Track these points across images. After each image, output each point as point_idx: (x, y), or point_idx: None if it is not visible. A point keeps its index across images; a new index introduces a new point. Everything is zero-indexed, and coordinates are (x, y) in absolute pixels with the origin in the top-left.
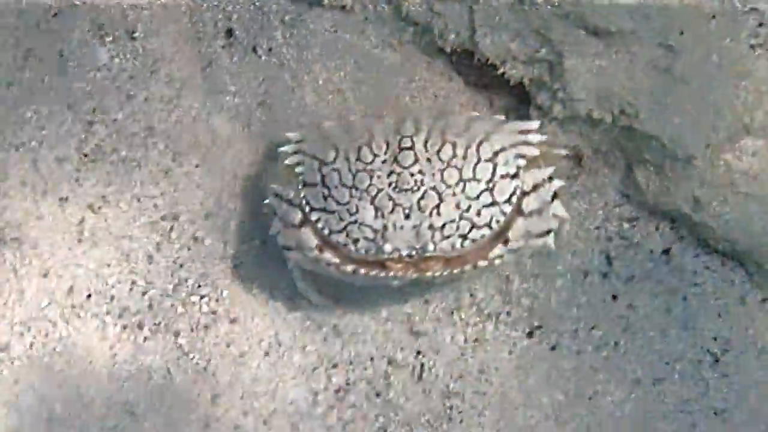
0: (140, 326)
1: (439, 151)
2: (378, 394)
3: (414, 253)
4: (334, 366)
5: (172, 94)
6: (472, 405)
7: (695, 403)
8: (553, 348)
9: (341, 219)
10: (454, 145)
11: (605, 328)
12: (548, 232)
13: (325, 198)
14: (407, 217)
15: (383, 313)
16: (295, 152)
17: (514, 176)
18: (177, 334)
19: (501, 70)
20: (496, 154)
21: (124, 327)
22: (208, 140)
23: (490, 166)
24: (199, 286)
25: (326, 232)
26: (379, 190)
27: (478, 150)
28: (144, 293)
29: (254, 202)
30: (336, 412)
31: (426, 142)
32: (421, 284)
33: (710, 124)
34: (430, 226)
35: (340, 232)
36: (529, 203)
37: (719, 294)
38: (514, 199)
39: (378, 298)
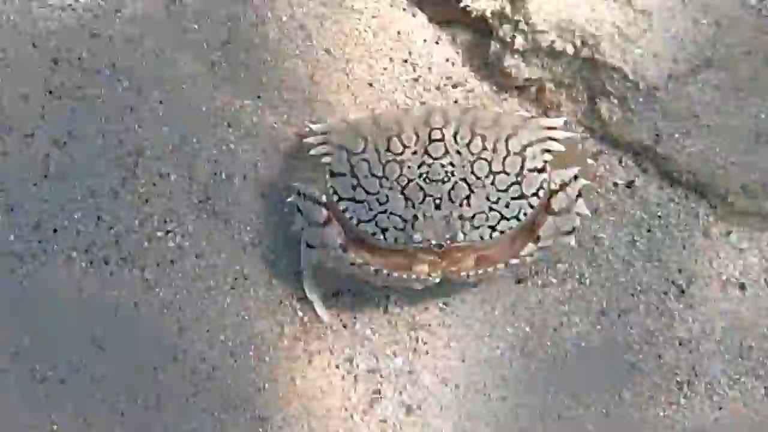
0: (106, 261)
1: (468, 144)
2: (345, 326)
3: (444, 243)
4: (300, 299)
5: (135, 33)
6: (438, 337)
7: (660, 334)
8: (518, 281)
9: (370, 208)
10: (483, 138)
11: (570, 261)
12: (573, 230)
13: (353, 188)
14: (437, 207)
15: None
16: (322, 144)
17: (541, 170)
18: (143, 269)
19: (463, 4)
20: (524, 148)
21: (91, 262)
22: (172, 77)
23: (519, 159)
24: (165, 221)
25: (354, 221)
26: (410, 180)
27: (506, 144)
28: (110, 228)
29: (219, 137)
30: (302, 344)
31: (455, 134)
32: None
33: (672, 55)
34: (461, 217)
35: (368, 221)
36: (559, 202)
37: (683, 226)
38: (541, 193)
39: None
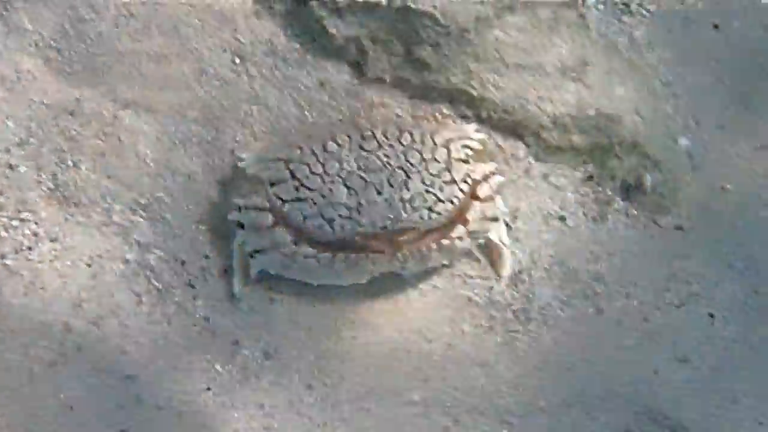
0: None
1: (398, 138)
2: (194, 286)
3: (388, 224)
4: (153, 271)
5: None
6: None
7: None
8: None
9: (315, 203)
10: (410, 134)
11: None
12: (496, 219)
13: (296, 189)
14: (379, 192)
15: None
16: (256, 162)
17: (466, 162)
18: (3, 257)
19: None
20: (447, 142)
21: None
22: (12, 74)
23: (445, 150)
24: (19, 210)
25: (300, 218)
26: (350, 173)
27: (432, 138)
28: None
29: (62, 127)
30: (160, 309)
31: (384, 132)
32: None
33: None
34: (401, 199)
35: (314, 216)
36: (483, 190)
37: (506, 169)
38: (468, 180)
39: None
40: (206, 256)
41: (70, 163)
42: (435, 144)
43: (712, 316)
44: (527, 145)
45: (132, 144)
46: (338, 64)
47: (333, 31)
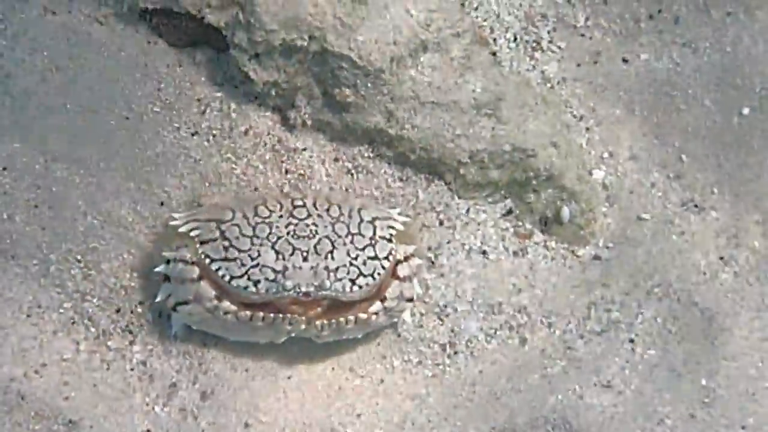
0: None
1: (327, 210)
2: (131, 332)
3: (312, 290)
4: (90, 319)
5: None
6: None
7: (421, 303)
8: None
9: (243, 264)
10: (339, 207)
11: None
12: (412, 298)
13: (225, 249)
14: (305, 259)
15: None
16: (187, 222)
17: (389, 240)
18: None
19: (200, 15)
20: (373, 219)
21: None
22: None
23: (371, 226)
24: None
25: (227, 278)
26: (279, 237)
27: (359, 213)
28: None
29: None
30: (99, 355)
31: (314, 203)
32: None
33: (392, 39)
34: (326, 268)
35: (241, 276)
36: (403, 270)
37: (426, 205)
38: (391, 258)
39: None
40: (141, 302)
41: (4, 216)
42: (362, 220)
43: (632, 341)
44: (446, 182)
45: (64, 196)
46: (261, 110)
47: (253, 76)
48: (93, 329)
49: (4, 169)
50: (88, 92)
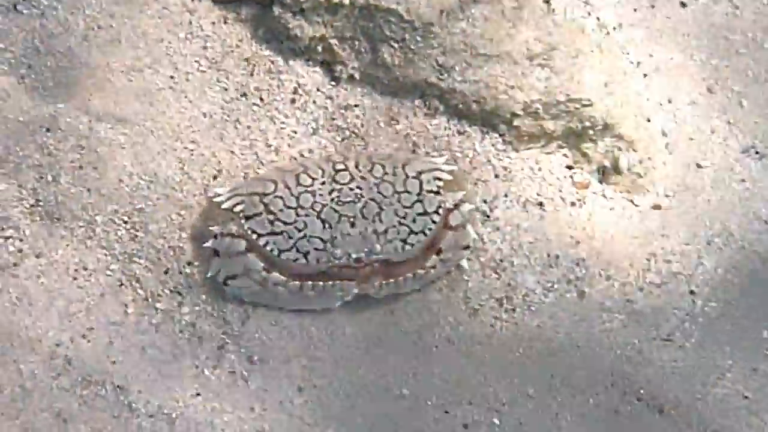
0: None
1: (371, 170)
2: (179, 293)
3: (362, 256)
4: (138, 281)
5: None
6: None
7: (475, 259)
8: None
9: (290, 237)
10: (382, 166)
11: None
12: (467, 247)
13: (271, 222)
14: (353, 225)
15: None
16: (231, 197)
17: (437, 193)
18: None
19: None
20: (418, 174)
21: None
22: None
23: (417, 182)
24: (2, 228)
25: (276, 252)
26: (324, 206)
27: (404, 169)
28: None
29: (39, 143)
30: (147, 318)
31: (357, 165)
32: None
33: None
34: (375, 231)
35: (290, 249)
36: (455, 218)
37: (480, 157)
38: (440, 212)
39: None
40: (189, 263)
41: (49, 178)
42: (407, 176)
43: (693, 293)
44: (501, 134)
45: (110, 156)
46: (308, 65)
47: (297, 32)
48: (141, 291)
49: (48, 130)
50: (132, 51)
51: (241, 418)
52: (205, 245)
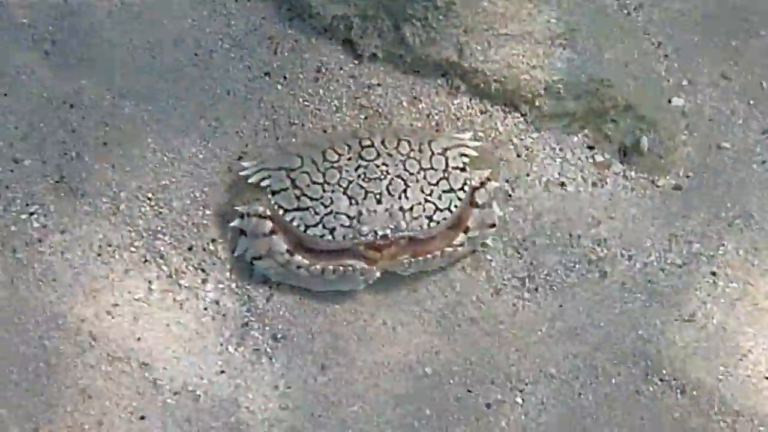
0: None
1: (396, 147)
2: (203, 270)
3: (389, 233)
4: (162, 257)
5: None
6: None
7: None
8: None
9: (316, 213)
10: (408, 143)
11: None
12: (493, 225)
13: (297, 198)
14: (379, 201)
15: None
16: (258, 171)
17: (463, 170)
18: (14, 250)
19: None
20: (444, 150)
21: None
22: (11, 69)
23: (443, 158)
24: (27, 204)
25: (302, 228)
26: (350, 182)
27: (429, 146)
28: None
29: (63, 119)
30: (171, 295)
31: (383, 141)
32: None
33: None
34: (401, 208)
35: (316, 225)
36: (481, 196)
37: (503, 136)
38: (466, 188)
39: None
40: (213, 240)
41: (73, 154)
42: (433, 153)
43: (714, 274)
44: (522, 114)
45: (133, 133)
46: (331, 44)
47: (320, 11)
48: (165, 268)
49: (72, 106)
50: (155, 28)
51: (265, 396)
52: (231, 224)
